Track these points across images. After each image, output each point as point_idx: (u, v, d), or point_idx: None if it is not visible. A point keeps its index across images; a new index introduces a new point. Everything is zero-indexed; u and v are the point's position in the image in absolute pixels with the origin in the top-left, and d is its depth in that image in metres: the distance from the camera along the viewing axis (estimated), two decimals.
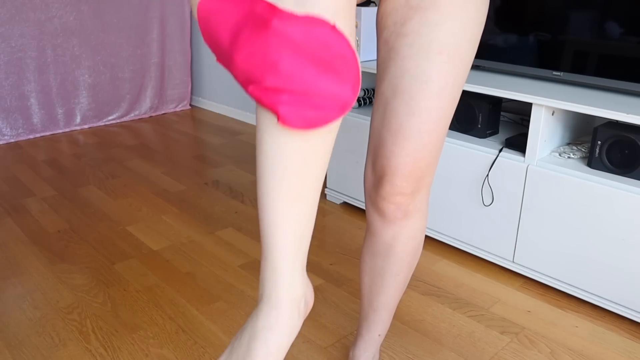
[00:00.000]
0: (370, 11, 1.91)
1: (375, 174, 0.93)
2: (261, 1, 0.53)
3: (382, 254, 1.00)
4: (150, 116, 3.47)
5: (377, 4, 0.92)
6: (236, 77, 0.58)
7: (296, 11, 0.52)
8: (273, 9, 0.53)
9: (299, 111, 0.55)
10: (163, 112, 3.54)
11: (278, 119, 0.56)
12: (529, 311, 1.50)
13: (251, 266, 1.71)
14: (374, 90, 2.08)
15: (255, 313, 0.64)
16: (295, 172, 0.58)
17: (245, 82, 0.56)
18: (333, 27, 0.53)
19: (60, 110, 3.08)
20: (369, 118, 1.91)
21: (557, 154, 1.55)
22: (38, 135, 3.04)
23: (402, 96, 0.85)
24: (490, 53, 1.73)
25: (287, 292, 0.63)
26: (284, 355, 0.64)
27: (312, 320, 1.45)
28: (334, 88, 0.55)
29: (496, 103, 1.67)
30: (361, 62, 1.92)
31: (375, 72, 1.83)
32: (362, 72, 2.09)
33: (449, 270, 1.70)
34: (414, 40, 0.82)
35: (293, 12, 0.52)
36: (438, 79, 0.83)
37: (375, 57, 1.97)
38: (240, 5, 0.55)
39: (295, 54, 0.53)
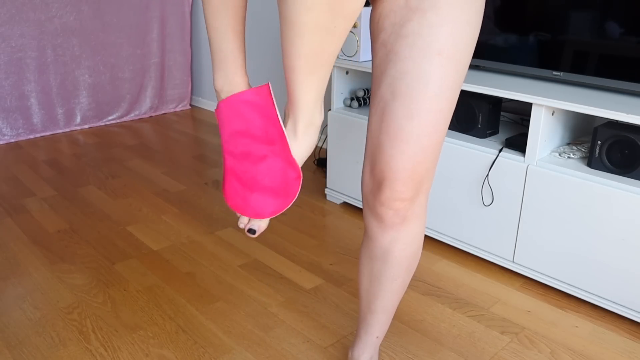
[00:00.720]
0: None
1: (374, 179, 0.91)
2: (279, 128, 0.81)
3: (379, 258, 1.00)
4: (150, 116, 3.47)
5: (371, 4, 0.93)
6: (223, 146, 0.86)
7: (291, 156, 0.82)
8: (284, 141, 0.82)
9: (245, 203, 0.84)
10: (163, 112, 3.54)
11: (226, 197, 0.86)
12: (529, 311, 1.50)
13: (251, 266, 1.71)
14: None
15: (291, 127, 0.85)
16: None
17: (226, 155, 0.85)
18: (299, 176, 0.84)
19: (60, 110, 3.08)
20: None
21: (557, 154, 1.55)
22: (38, 135, 3.04)
23: (402, 99, 0.84)
24: (490, 53, 1.73)
25: (306, 118, 0.83)
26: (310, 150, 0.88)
27: (312, 320, 1.45)
28: (279, 201, 0.85)
29: (496, 103, 1.67)
30: (361, 61, 1.92)
31: None
32: (363, 72, 2.09)
33: (449, 270, 1.70)
34: (414, 41, 0.81)
35: (291, 154, 0.82)
36: (438, 80, 0.82)
37: None
38: (254, 120, 0.83)
39: (270, 173, 0.83)
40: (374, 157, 0.90)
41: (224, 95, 0.84)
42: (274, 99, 0.82)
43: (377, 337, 1.12)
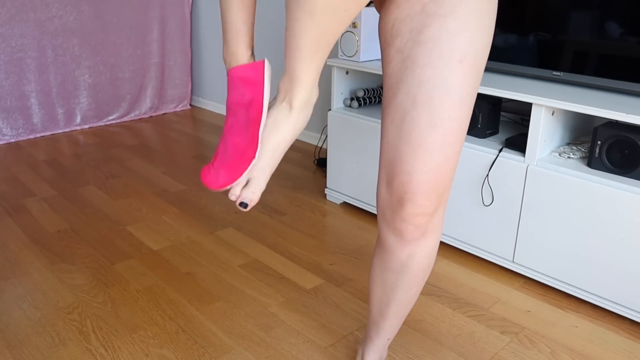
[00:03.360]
0: (370, 11, 1.91)
1: (394, 192, 0.87)
2: (259, 107, 0.84)
3: (395, 271, 0.97)
4: (150, 116, 3.47)
5: (378, 11, 0.92)
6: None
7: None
8: (258, 120, 0.84)
9: (207, 171, 0.87)
10: (163, 112, 3.54)
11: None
12: (529, 311, 1.50)
13: (251, 266, 1.71)
14: (374, 90, 2.08)
15: (277, 107, 0.85)
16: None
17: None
18: (253, 157, 0.85)
19: (60, 110, 3.08)
20: (369, 118, 1.91)
21: (557, 154, 1.55)
22: (38, 135, 3.04)
23: (423, 107, 0.81)
24: (490, 53, 1.73)
25: (303, 98, 0.83)
26: (290, 139, 0.88)
27: (312, 320, 1.45)
28: (228, 175, 0.86)
29: (496, 103, 1.67)
30: (361, 62, 1.92)
31: (375, 72, 1.83)
32: (362, 72, 2.09)
33: (449, 270, 1.70)
34: (433, 47, 0.79)
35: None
36: (460, 88, 0.80)
37: (375, 57, 1.97)
38: (245, 95, 0.85)
39: (235, 147, 0.85)
40: (393, 169, 0.86)
41: (227, 67, 0.86)
42: (265, 77, 0.84)
43: (388, 339, 1.12)
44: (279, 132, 0.85)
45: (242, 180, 0.86)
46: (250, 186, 0.86)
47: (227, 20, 0.84)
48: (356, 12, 0.71)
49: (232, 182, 0.85)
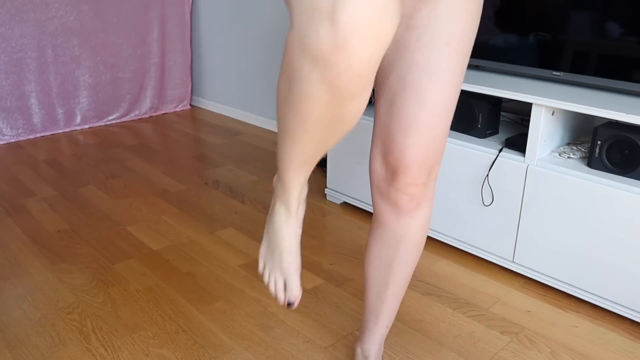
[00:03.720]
0: None
1: (388, 167, 0.93)
2: None
3: (392, 245, 1.01)
4: (150, 116, 3.47)
5: None
6: None
7: None
8: None
9: None
10: (163, 112, 3.54)
11: None
12: (529, 311, 1.50)
13: (251, 266, 1.71)
14: (374, 90, 2.08)
15: (277, 212, 0.89)
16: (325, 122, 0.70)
17: None
18: None
19: (60, 110, 3.08)
20: (369, 118, 1.91)
21: (557, 154, 1.55)
22: (38, 135, 3.04)
23: (412, 89, 0.86)
24: (490, 53, 1.73)
25: (296, 199, 0.86)
26: (298, 236, 0.92)
27: (312, 320, 1.45)
28: None
29: (496, 103, 1.67)
30: None
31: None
32: None
33: (449, 270, 1.70)
34: (422, 32, 0.83)
35: None
36: (447, 70, 0.84)
37: None
38: None
39: None
40: (386, 147, 0.92)
41: None
42: None
43: (387, 326, 1.13)
44: (288, 231, 0.89)
45: (280, 286, 0.90)
46: (288, 286, 0.91)
47: None
48: (341, 137, 0.74)
49: None
